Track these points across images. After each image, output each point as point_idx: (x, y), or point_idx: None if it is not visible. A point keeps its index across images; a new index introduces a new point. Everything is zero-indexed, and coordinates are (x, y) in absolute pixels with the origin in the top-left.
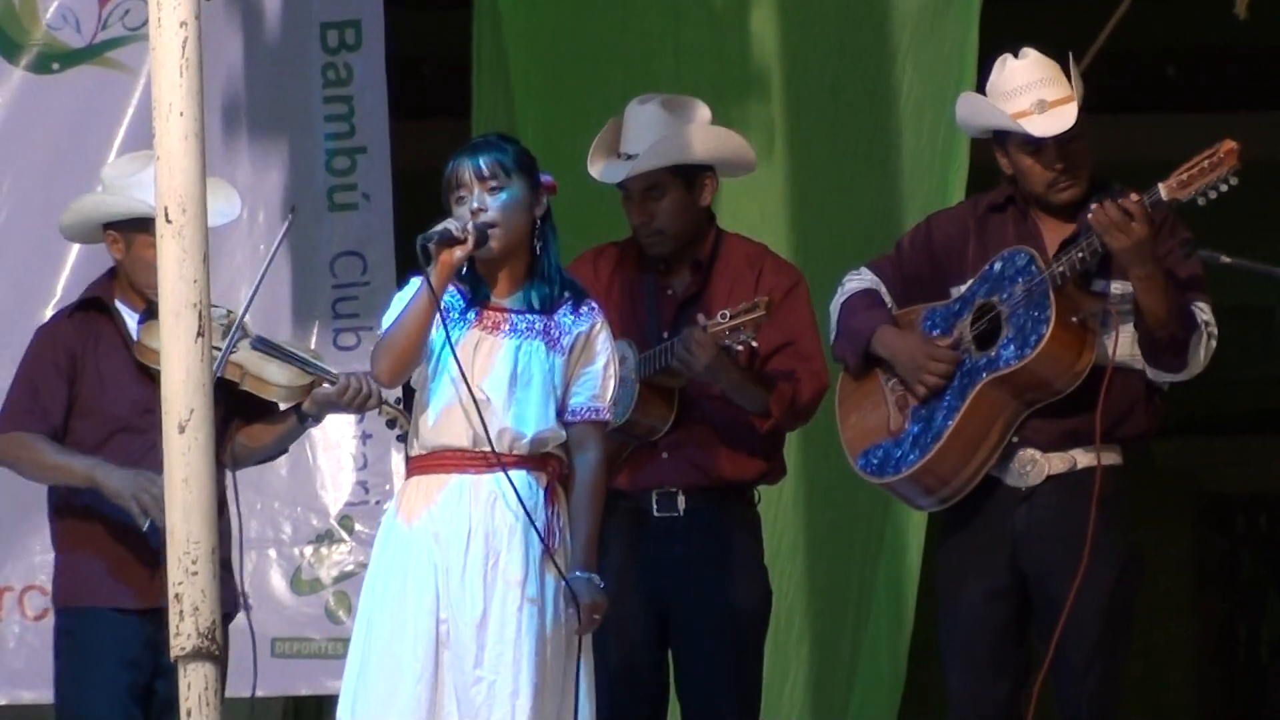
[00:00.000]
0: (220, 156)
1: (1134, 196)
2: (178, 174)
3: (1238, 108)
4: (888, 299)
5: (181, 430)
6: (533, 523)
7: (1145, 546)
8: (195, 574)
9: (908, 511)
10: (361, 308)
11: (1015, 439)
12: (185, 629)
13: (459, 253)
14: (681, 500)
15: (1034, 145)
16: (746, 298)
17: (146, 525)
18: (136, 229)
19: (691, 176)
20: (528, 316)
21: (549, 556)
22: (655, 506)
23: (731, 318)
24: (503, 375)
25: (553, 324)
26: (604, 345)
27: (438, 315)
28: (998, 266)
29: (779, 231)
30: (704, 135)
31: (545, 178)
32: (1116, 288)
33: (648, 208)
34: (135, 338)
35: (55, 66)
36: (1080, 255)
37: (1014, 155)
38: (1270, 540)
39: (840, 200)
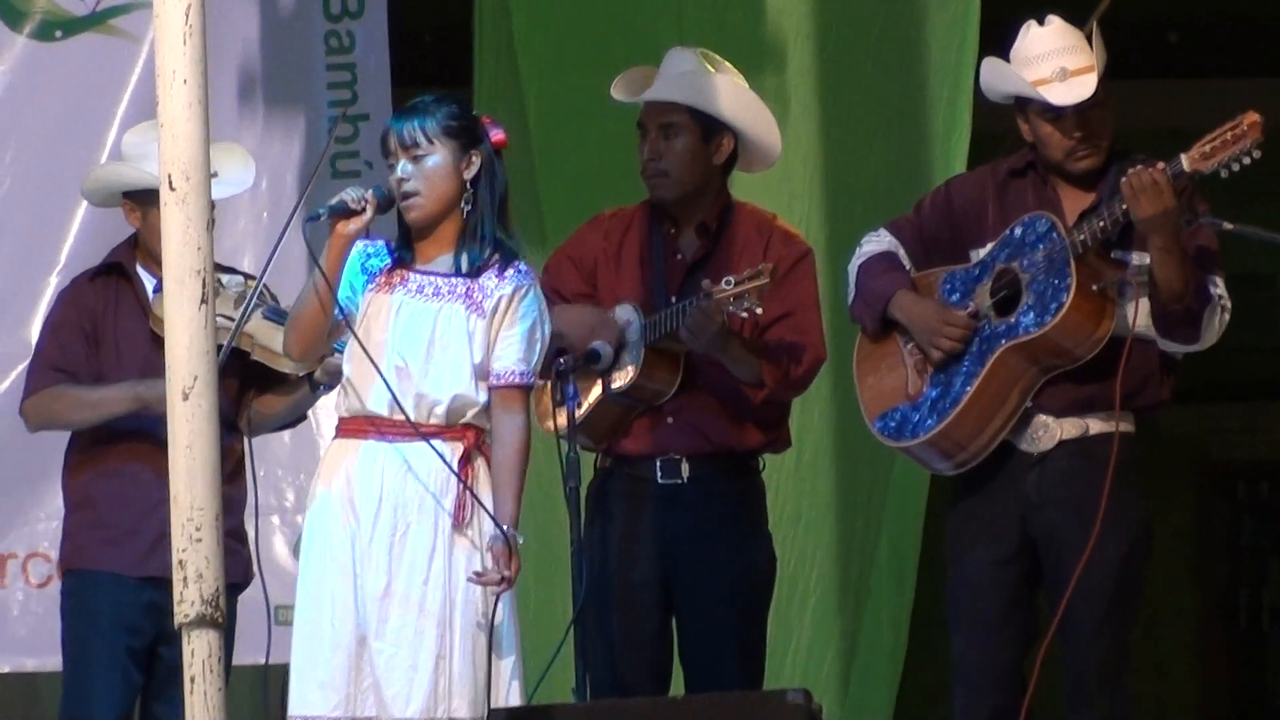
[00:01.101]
0: (227, 125)
1: (1160, 166)
2: (181, 141)
3: (1239, 74)
4: (906, 261)
5: (185, 397)
6: (468, 487)
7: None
8: (199, 541)
9: (911, 480)
10: None
11: (1029, 405)
12: (189, 596)
13: (354, 224)
14: (685, 467)
15: (1054, 113)
16: (754, 265)
17: None
18: (153, 199)
19: (710, 129)
20: (451, 280)
21: (459, 530)
22: (659, 473)
23: (735, 284)
24: (420, 340)
25: (476, 287)
26: (529, 308)
27: (356, 283)
28: (1018, 231)
29: (781, 198)
30: (733, 92)
31: (495, 133)
32: (1136, 258)
33: (659, 145)
34: (151, 307)
35: (58, 34)
36: (1101, 224)
37: (1034, 122)
38: (1272, 508)
39: (848, 167)
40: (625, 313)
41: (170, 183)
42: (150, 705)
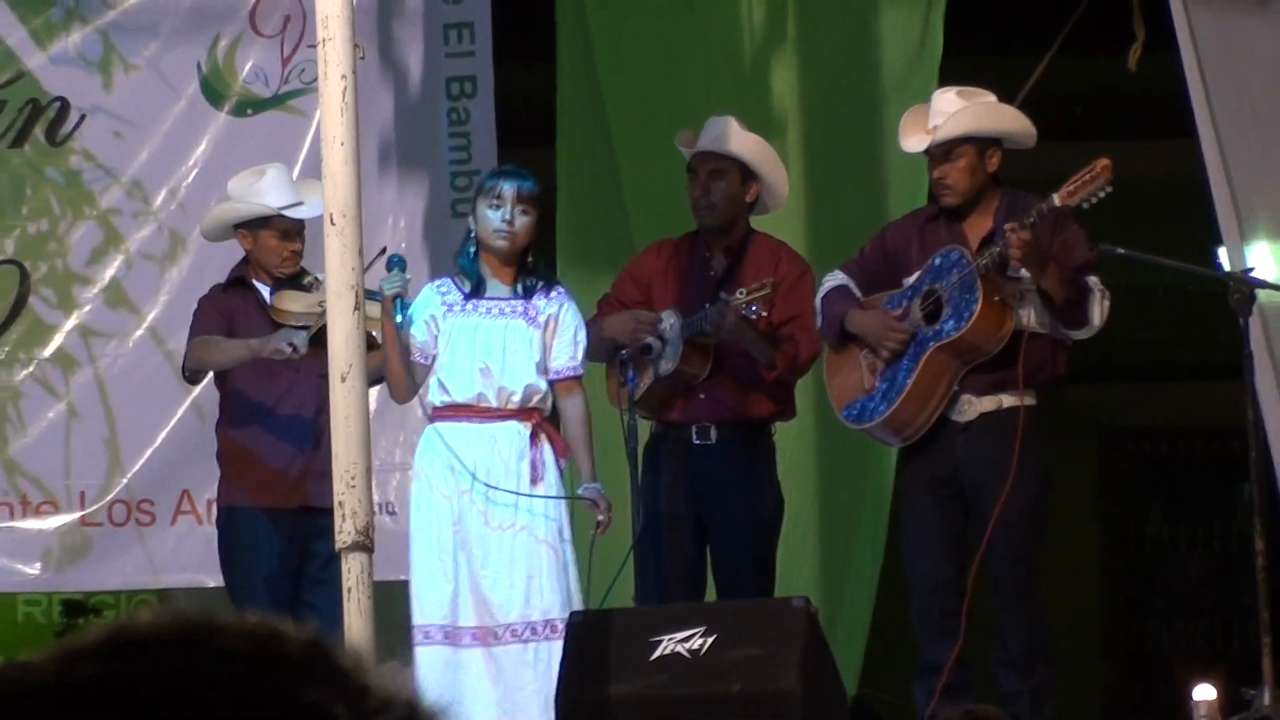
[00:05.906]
0: (374, 177)
1: (1019, 228)
2: (339, 189)
3: (1130, 138)
4: (856, 292)
5: (343, 380)
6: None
7: (1059, 467)
8: (354, 487)
9: (883, 448)
10: None
11: (957, 388)
12: (346, 528)
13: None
14: (714, 432)
15: (928, 156)
16: (766, 278)
17: (291, 350)
18: (259, 226)
19: (746, 175)
20: (513, 302)
21: (534, 485)
22: (695, 436)
23: (748, 293)
24: (497, 348)
25: (531, 306)
26: (572, 318)
27: (436, 313)
28: (937, 261)
29: (793, 232)
30: (761, 148)
31: None
32: (1027, 274)
33: (709, 185)
34: (269, 302)
35: (249, 111)
36: (997, 252)
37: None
38: (1154, 461)
39: (836, 210)
40: (669, 316)
41: (332, 219)
42: (303, 599)
